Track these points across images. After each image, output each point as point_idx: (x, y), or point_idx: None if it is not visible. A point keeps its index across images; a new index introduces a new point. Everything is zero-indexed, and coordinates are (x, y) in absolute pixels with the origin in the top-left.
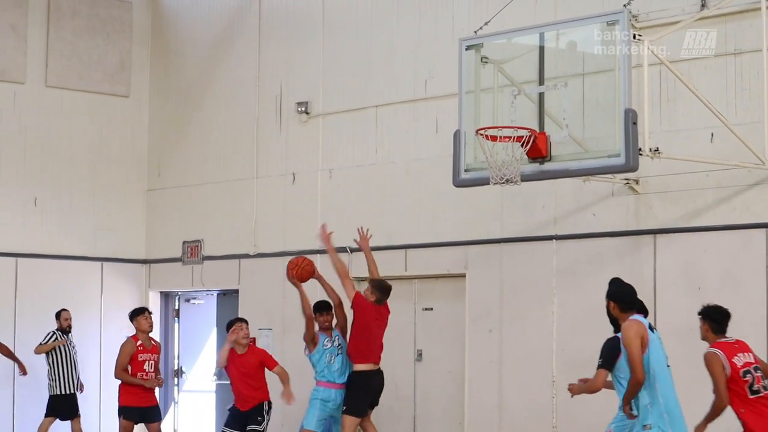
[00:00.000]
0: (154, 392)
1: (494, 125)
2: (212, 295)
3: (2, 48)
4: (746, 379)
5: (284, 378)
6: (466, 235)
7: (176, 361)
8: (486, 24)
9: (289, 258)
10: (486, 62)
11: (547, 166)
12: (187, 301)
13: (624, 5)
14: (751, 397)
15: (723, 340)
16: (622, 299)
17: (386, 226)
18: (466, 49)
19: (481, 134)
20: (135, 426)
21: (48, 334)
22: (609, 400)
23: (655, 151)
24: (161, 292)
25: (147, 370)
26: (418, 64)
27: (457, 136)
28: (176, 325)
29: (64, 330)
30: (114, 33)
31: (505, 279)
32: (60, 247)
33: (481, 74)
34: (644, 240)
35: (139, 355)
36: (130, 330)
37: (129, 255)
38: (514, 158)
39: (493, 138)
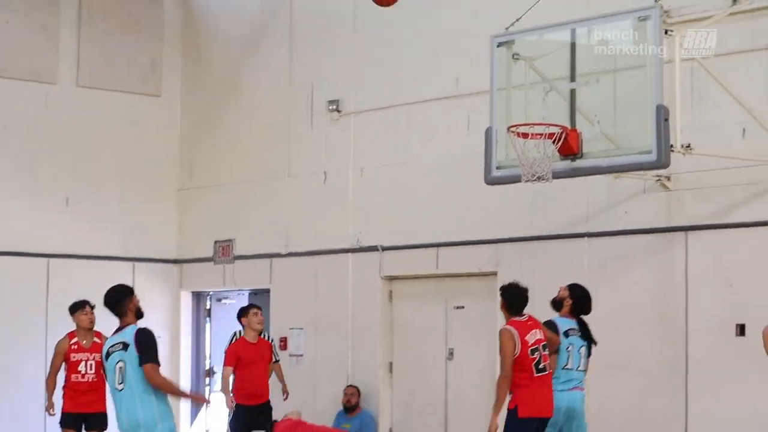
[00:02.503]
0: (101, 396)
1: (526, 122)
2: (244, 294)
3: (34, 48)
4: (533, 356)
5: (282, 374)
6: (497, 233)
7: (208, 361)
8: (517, 20)
9: (321, 256)
10: (517, 59)
11: (579, 163)
12: (219, 300)
13: (655, 0)
14: (536, 375)
15: (517, 318)
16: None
17: (418, 224)
18: (498, 46)
19: (513, 131)
20: None
21: (232, 336)
22: (641, 398)
23: (687, 147)
24: (193, 292)
25: (83, 372)
26: (450, 61)
27: (488, 133)
28: (207, 324)
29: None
30: (145, 32)
31: (536, 277)
32: (91, 247)
33: (512, 71)
34: (676, 237)
35: (72, 355)
36: (159, 330)
37: (161, 255)
38: (545, 155)
39: (525, 135)
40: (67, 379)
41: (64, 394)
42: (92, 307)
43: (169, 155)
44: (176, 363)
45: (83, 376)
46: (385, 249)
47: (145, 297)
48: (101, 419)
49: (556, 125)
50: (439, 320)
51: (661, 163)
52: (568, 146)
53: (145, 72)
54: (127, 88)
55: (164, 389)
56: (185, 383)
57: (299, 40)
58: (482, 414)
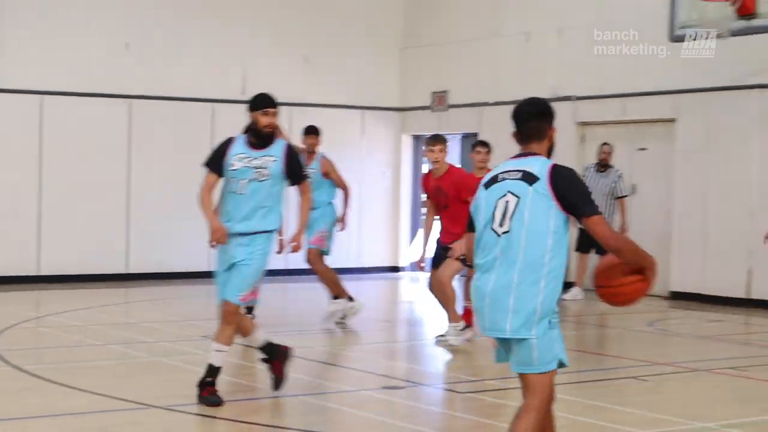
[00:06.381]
0: None
1: None
2: (456, 137)
3: None
4: None
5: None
6: (677, 84)
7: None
8: None
9: None
10: None
11: (754, 22)
12: None
13: None
14: None
15: None
16: None
17: (607, 77)
18: None
19: None
20: None
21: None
22: None
23: None
24: (413, 135)
25: None
26: None
27: None
28: (425, 163)
29: (600, 163)
30: None
31: (711, 124)
32: (327, 97)
33: None
34: None
35: None
36: (384, 167)
37: (386, 104)
38: (724, 16)
39: None
40: None
41: None
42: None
43: (393, 19)
44: (397, 194)
45: None
46: (578, 98)
47: (372, 140)
48: None
49: None
50: (625, 160)
51: None
52: (745, 7)
53: None
54: None
55: None
56: (405, 211)
57: None
58: (660, 242)
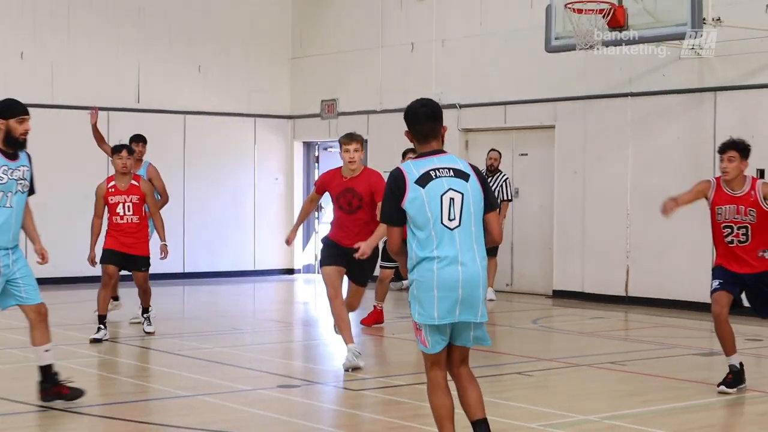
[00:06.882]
0: (141, 241)
1: None
2: None
3: None
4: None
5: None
6: (555, 93)
7: None
8: None
9: None
10: None
11: (625, 34)
12: (325, 149)
13: None
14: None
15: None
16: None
17: (489, 86)
18: None
19: (569, 8)
20: (117, 270)
21: None
22: (673, 228)
23: (717, 20)
24: (304, 142)
25: (122, 213)
26: None
27: (548, 9)
28: (316, 169)
29: (489, 169)
30: None
31: (588, 129)
32: (220, 105)
33: None
34: (706, 96)
35: (110, 197)
36: (277, 173)
37: (277, 112)
38: (596, 28)
39: (579, 11)
40: (110, 220)
41: (107, 234)
42: (131, 152)
43: (283, 29)
44: (290, 200)
45: (122, 217)
46: (462, 106)
47: (264, 147)
48: (143, 261)
49: (606, 2)
50: (507, 166)
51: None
52: (616, 20)
53: None
54: None
55: None
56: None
57: None
58: (542, 241)
